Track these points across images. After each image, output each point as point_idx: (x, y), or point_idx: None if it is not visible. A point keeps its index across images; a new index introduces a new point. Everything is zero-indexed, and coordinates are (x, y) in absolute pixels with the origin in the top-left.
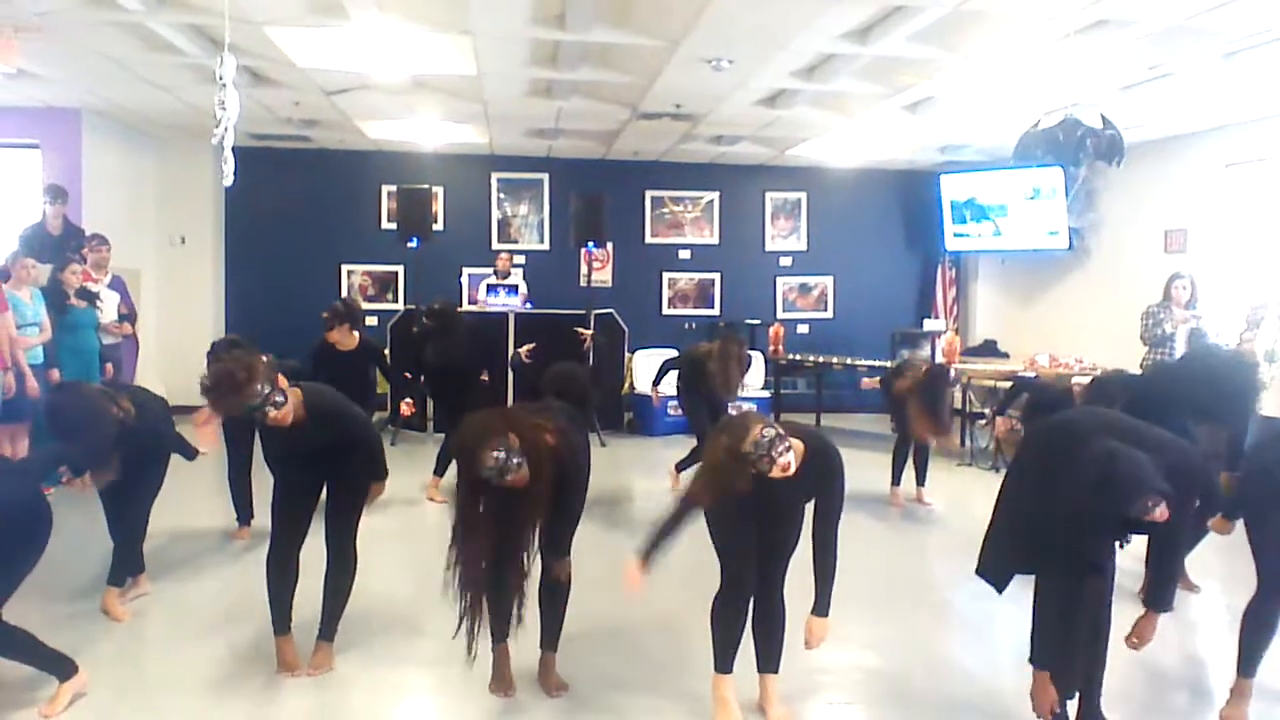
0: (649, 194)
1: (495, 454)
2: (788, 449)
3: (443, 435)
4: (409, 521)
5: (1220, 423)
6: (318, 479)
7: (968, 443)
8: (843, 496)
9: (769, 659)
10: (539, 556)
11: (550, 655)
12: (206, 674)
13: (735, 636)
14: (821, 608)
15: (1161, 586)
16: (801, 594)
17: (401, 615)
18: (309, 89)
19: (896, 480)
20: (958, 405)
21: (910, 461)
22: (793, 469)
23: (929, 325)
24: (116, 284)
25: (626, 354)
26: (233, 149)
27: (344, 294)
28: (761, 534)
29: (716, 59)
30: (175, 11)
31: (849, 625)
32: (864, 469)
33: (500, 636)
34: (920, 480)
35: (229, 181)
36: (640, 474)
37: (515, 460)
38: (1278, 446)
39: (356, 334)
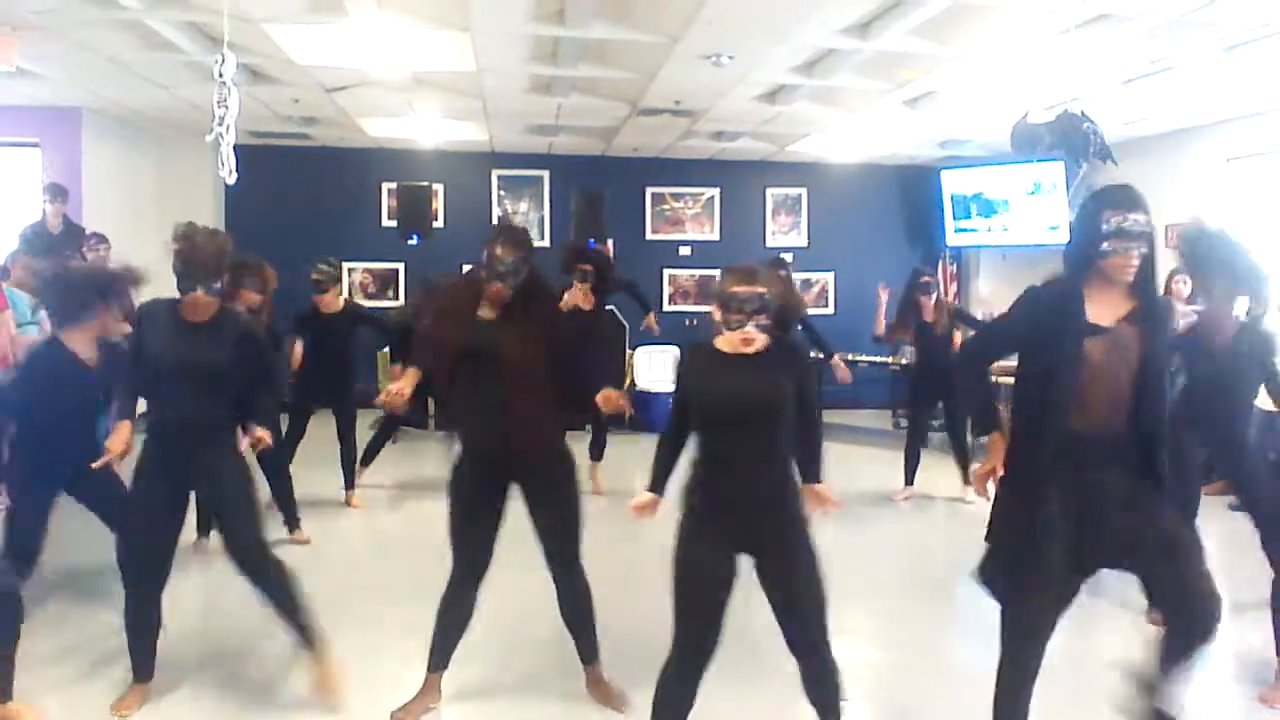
0: (649, 190)
1: (507, 255)
2: (761, 328)
3: (444, 433)
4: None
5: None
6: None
7: (970, 439)
8: (815, 383)
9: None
10: (551, 574)
11: (594, 668)
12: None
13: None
14: (814, 475)
15: None
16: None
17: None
18: (308, 86)
19: (910, 479)
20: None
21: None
22: (755, 344)
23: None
24: None
25: (628, 350)
26: (233, 147)
27: (345, 290)
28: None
29: (716, 55)
30: (174, 9)
31: (852, 620)
32: (866, 463)
33: (436, 662)
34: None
35: (231, 179)
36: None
37: (517, 270)
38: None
39: (343, 298)
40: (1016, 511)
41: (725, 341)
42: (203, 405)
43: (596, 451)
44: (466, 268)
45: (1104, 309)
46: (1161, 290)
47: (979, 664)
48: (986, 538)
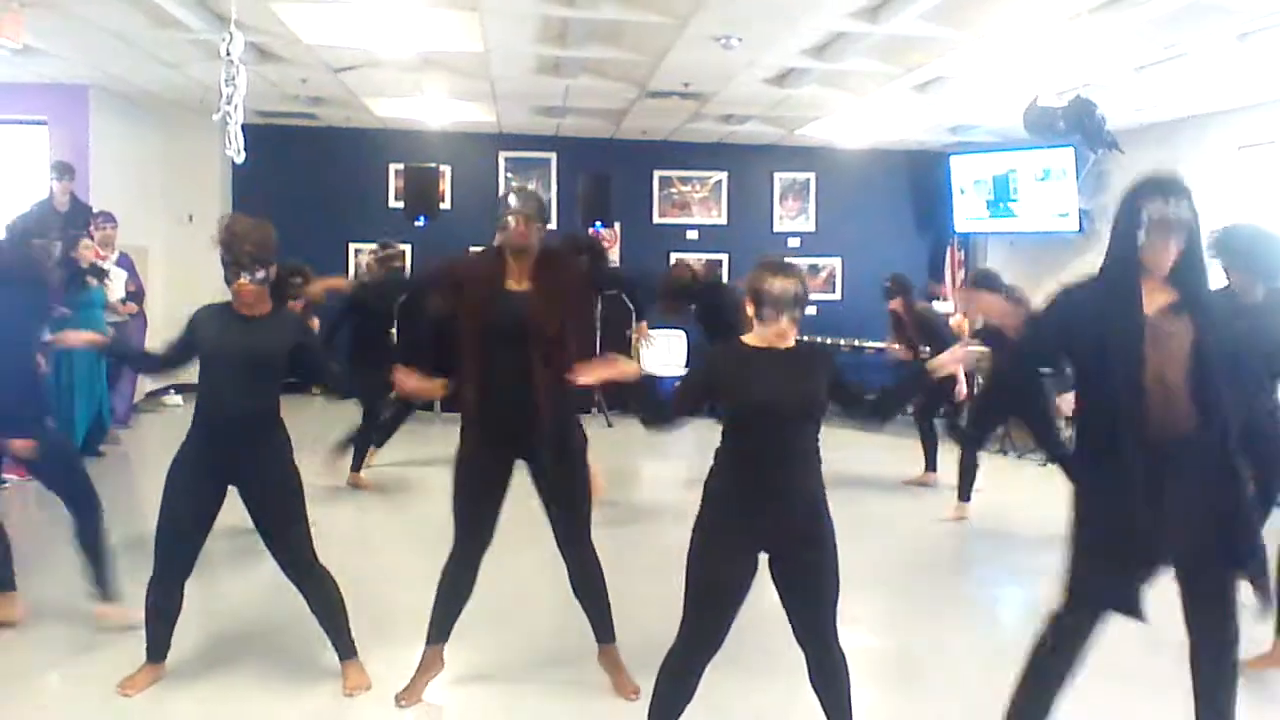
0: (657, 174)
1: (519, 203)
2: (794, 322)
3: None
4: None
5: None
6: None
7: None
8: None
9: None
10: (563, 552)
11: (610, 648)
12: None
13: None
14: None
15: None
16: None
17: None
18: (316, 66)
19: (966, 495)
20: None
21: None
22: (789, 340)
23: (938, 307)
24: (124, 262)
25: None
26: (241, 126)
27: (351, 273)
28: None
29: (726, 37)
30: None
31: (858, 607)
32: (873, 451)
33: (436, 636)
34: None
35: (240, 159)
36: (652, 457)
37: (532, 209)
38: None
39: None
40: (1097, 510)
41: (756, 337)
42: (252, 398)
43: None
44: (473, 249)
45: (1146, 300)
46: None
47: (982, 651)
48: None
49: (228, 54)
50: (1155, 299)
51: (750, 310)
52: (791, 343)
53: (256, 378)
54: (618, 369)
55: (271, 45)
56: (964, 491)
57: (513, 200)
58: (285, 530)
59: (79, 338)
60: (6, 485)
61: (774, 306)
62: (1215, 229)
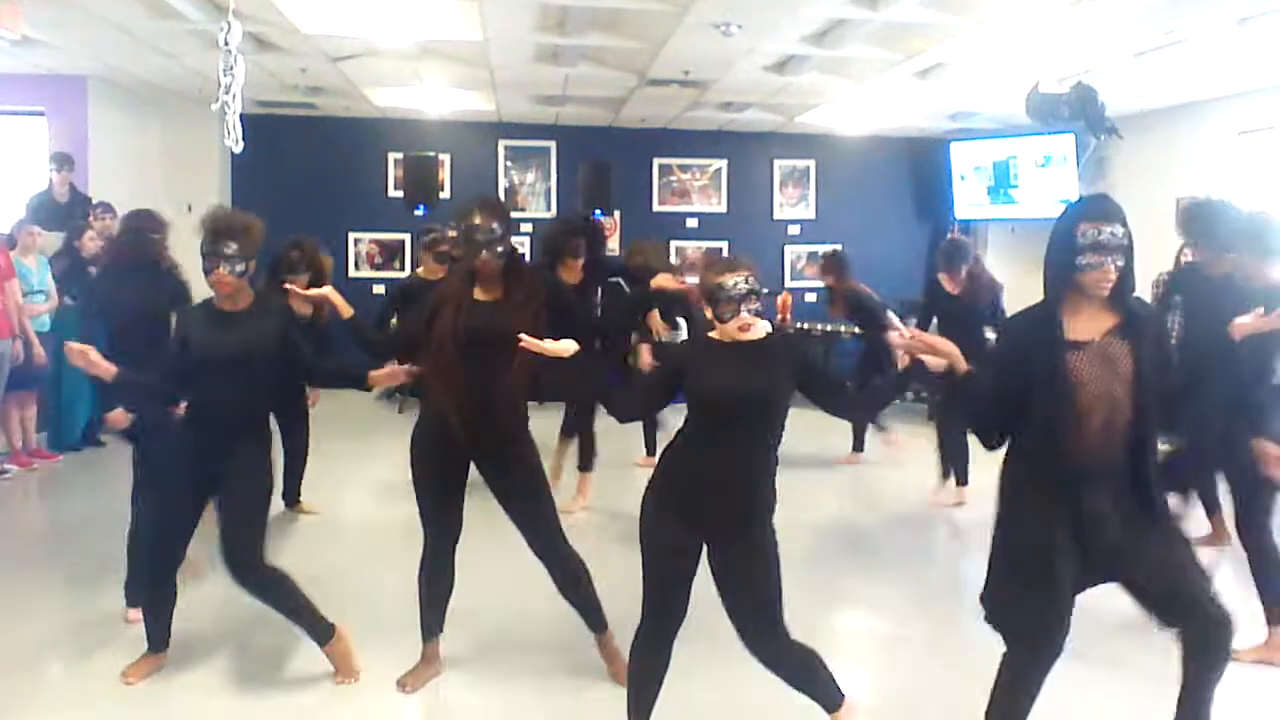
0: (657, 161)
1: (485, 222)
2: (757, 313)
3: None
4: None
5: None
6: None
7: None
8: (822, 362)
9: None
10: (539, 559)
11: (604, 636)
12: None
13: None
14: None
15: None
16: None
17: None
18: (315, 55)
19: (962, 478)
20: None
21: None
22: (753, 333)
23: None
24: None
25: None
26: (239, 116)
27: (351, 262)
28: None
29: (725, 24)
30: None
31: (850, 584)
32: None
33: (430, 631)
34: (955, 476)
35: (238, 149)
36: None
37: (500, 236)
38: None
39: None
40: (1019, 540)
41: (721, 333)
42: (238, 394)
43: (585, 459)
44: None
45: (1086, 324)
46: (1173, 264)
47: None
48: (990, 566)
49: (226, 44)
50: (1100, 322)
51: (709, 313)
52: (759, 335)
53: (242, 375)
54: (556, 347)
55: (270, 35)
56: (961, 475)
57: (479, 225)
58: (239, 526)
59: (86, 359)
60: (8, 475)
61: (729, 302)
62: (1180, 205)
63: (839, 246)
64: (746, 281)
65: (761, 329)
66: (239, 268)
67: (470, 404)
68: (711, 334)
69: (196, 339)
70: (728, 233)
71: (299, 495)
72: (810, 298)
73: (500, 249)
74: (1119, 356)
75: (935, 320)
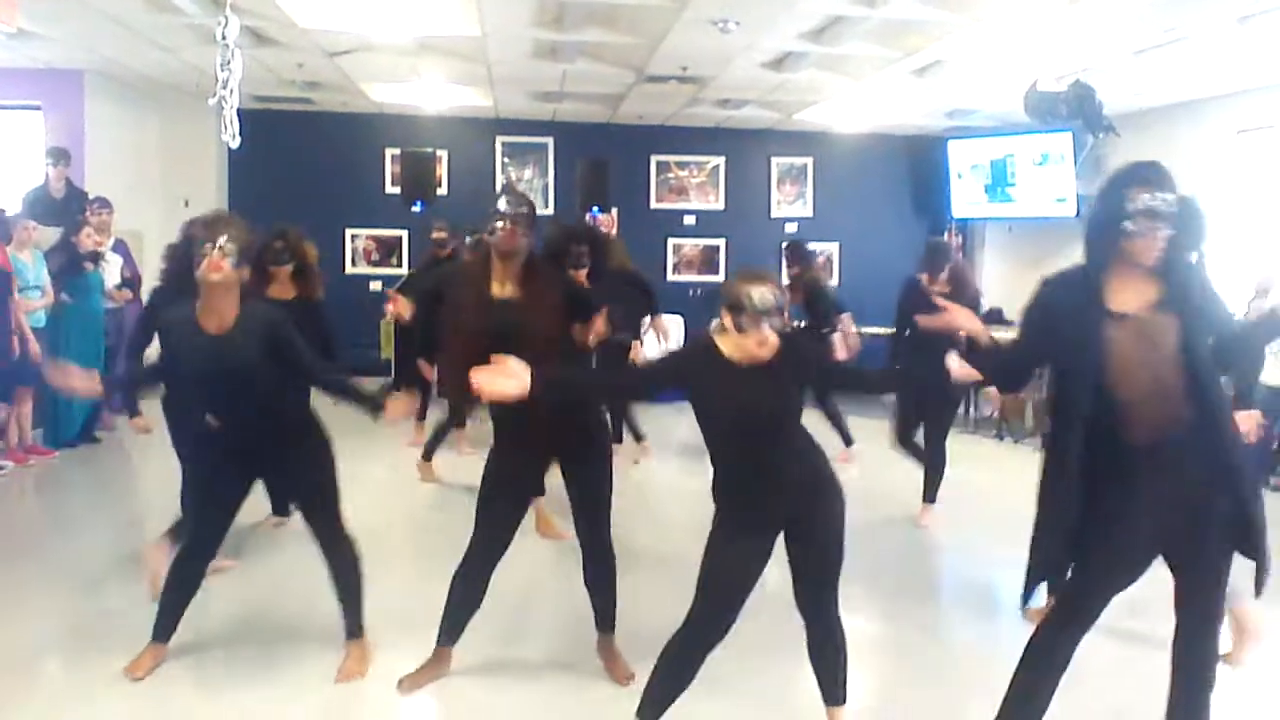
0: (654, 159)
1: (513, 205)
2: (775, 329)
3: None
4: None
5: None
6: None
7: (971, 412)
8: (832, 362)
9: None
10: (581, 545)
11: (608, 637)
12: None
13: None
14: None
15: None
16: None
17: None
18: (312, 50)
19: (931, 495)
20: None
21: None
22: (768, 348)
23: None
24: (119, 248)
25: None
26: (236, 111)
27: (348, 258)
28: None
29: (723, 20)
30: None
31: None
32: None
33: (447, 638)
34: (928, 495)
35: (235, 143)
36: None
37: (522, 213)
38: None
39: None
40: (1068, 518)
41: (734, 347)
42: (249, 410)
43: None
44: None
45: (1128, 295)
46: None
47: (974, 636)
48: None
49: (223, 38)
50: (1143, 293)
51: (728, 320)
52: (771, 353)
53: (247, 395)
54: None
55: (267, 29)
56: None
57: (503, 203)
58: (313, 493)
59: (73, 382)
60: (4, 471)
61: (753, 315)
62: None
63: (800, 241)
64: (773, 295)
65: (773, 346)
66: (232, 259)
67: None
68: (719, 345)
69: (185, 360)
70: (725, 230)
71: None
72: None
73: (524, 228)
74: (1162, 331)
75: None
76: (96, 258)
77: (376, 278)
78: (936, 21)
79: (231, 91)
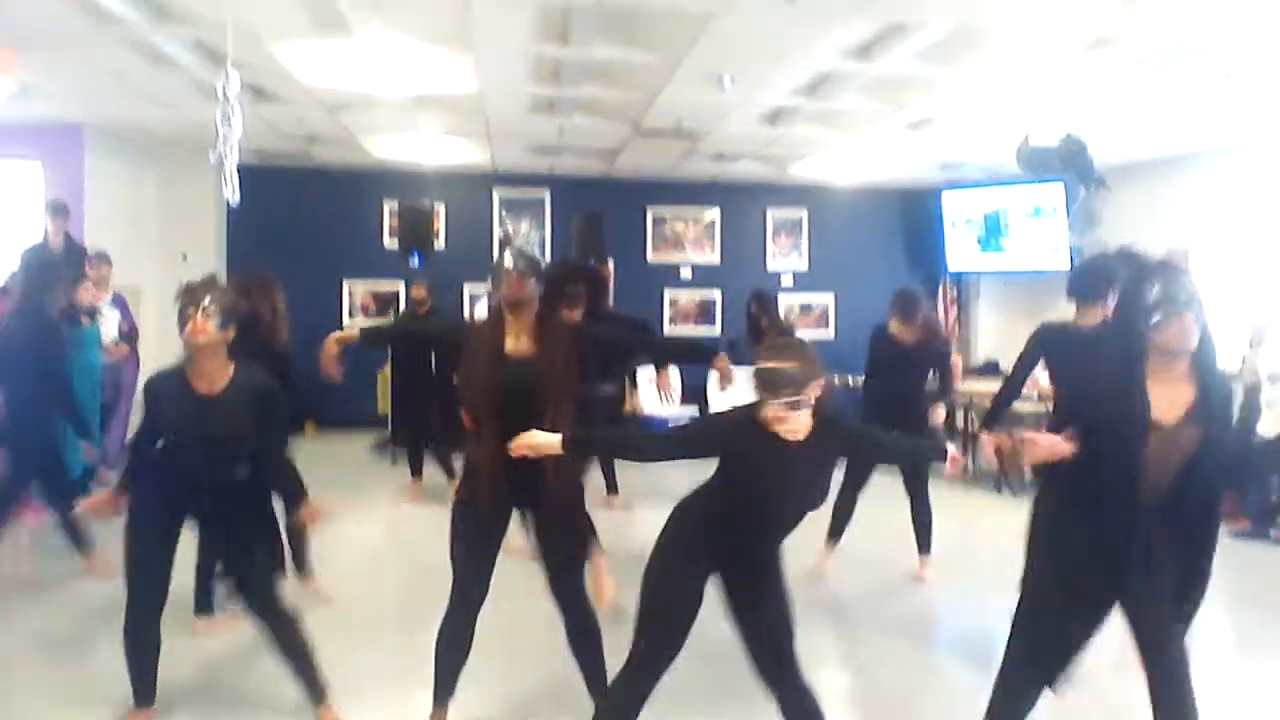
0: (650, 211)
1: (517, 261)
2: (805, 408)
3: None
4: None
5: None
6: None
7: (969, 465)
8: (858, 433)
9: None
10: (558, 605)
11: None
12: None
13: None
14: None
15: None
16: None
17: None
18: (312, 105)
19: (835, 534)
20: (959, 426)
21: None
22: (800, 429)
23: None
24: (118, 302)
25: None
26: (236, 167)
27: (345, 311)
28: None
29: (719, 76)
30: (178, 26)
31: (824, 644)
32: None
33: (442, 696)
34: (923, 546)
35: (235, 199)
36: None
37: (527, 263)
38: None
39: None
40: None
41: (772, 418)
42: (216, 476)
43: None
44: (467, 286)
45: (1163, 397)
46: None
47: (948, 684)
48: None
49: (224, 94)
50: (1176, 396)
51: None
52: (799, 433)
53: (222, 460)
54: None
55: (268, 85)
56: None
57: (508, 257)
58: (246, 558)
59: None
60: None
61: (764, 389)
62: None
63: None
64: (787, 374)
65: (802, 426)
66: (216, 320)
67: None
68: (763, 418)
69: (171, 420)
70: (721, 282)
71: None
72: None
73: (531, 279)
74: (1187, 442)
75: (879, 367)
76: (94, 312)
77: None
78: (928, 77)
79: (232, 148)
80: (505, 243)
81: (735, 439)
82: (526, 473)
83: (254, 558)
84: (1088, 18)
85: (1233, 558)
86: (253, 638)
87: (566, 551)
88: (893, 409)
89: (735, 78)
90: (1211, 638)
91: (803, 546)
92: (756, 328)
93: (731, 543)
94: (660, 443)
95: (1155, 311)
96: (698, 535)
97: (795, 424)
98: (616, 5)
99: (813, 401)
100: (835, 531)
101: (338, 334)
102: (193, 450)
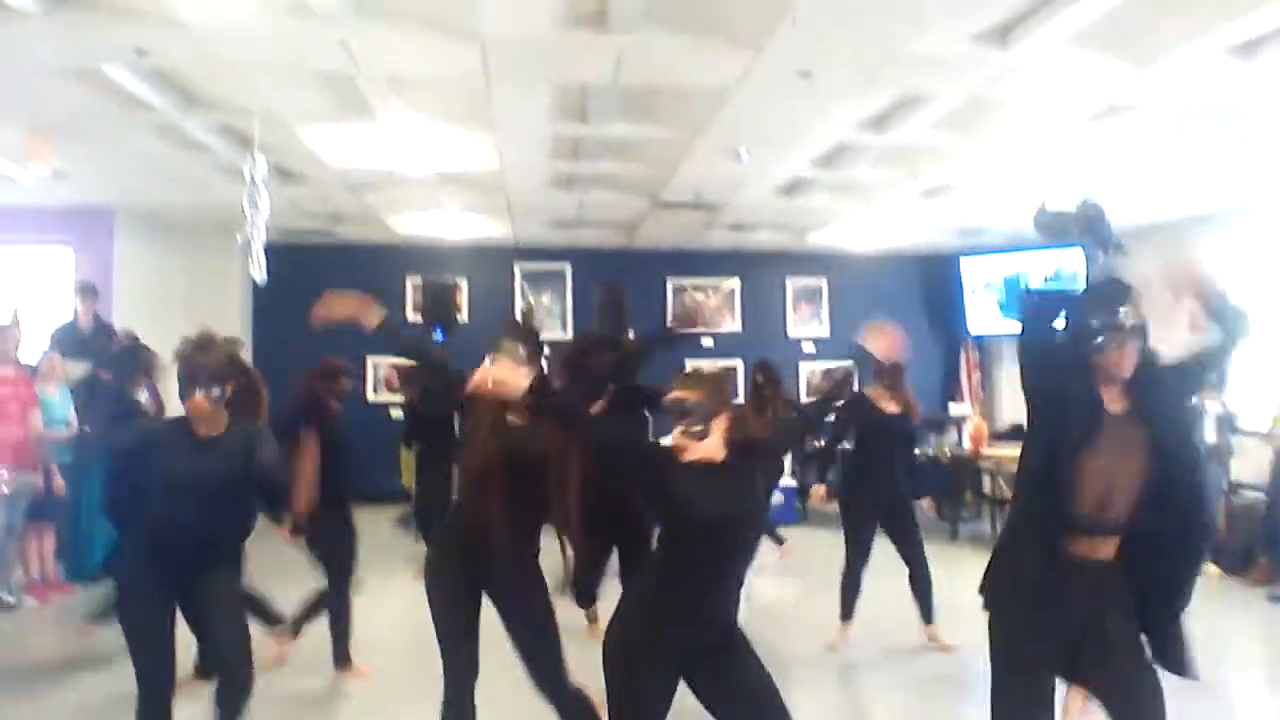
0: (671, 282)
1: (514, 347)
2: (699, 435)
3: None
4: None
5: None
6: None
7: (995, 529)
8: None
9: None
10: (547, 698)
11: None
12: None
13: None
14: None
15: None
16: None
17: None
18: (336, 185)
19: (846, 613)
20: (986, 491)
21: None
22: (698, 454)
23: (955, 410)
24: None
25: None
26: (263, 247)
27: (369, 386)
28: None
29: (736, 150)
30: (207, 113)
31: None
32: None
33: None
34: (927, 615)
35: (262, 278)
36: None
37: (529, 355)
38: None
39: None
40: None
41: (677, 445)
42: (207, 523)
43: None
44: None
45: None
46: None
47: None
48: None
49: (251, 177)
50: (1114, 401)
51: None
52: (712, 457)
53: (211, 503)
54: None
55: (294, 167)
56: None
57: (505, 343)
58: (233, 635)
59: None
60: (23, 607)
61: (672, 416)
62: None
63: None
64: (687, 402)
65: (711, 452)
66: (215, 391)
67: (491, 522)
68: (685, 455)
69: (165, 462)
70: (743, 351)
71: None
72: (828, 416)
73: (530, 365)
74: (1131, 439)
75: (857, 433)
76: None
77: (398, 405)
78: (943, 146)
79: (259, 229)
80: (527, 316)
81: (665, 461)
82: (486, 546)
83: (242, 631)
84: (1100, 85)
85: (1269, 620)
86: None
87: (534, 631)
88: (875, 478)
89: (752, 150)
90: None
91: (819, 626)
92: (759, 397)
93: (688, 615)
94: (624, 438)
95: (1099, 333)
96: (654, 627)
97: (704, 451)
98: (633, 84)
99: (721, 430)
100: (846, 610)
101: (364, 301)
102: (186, 496)
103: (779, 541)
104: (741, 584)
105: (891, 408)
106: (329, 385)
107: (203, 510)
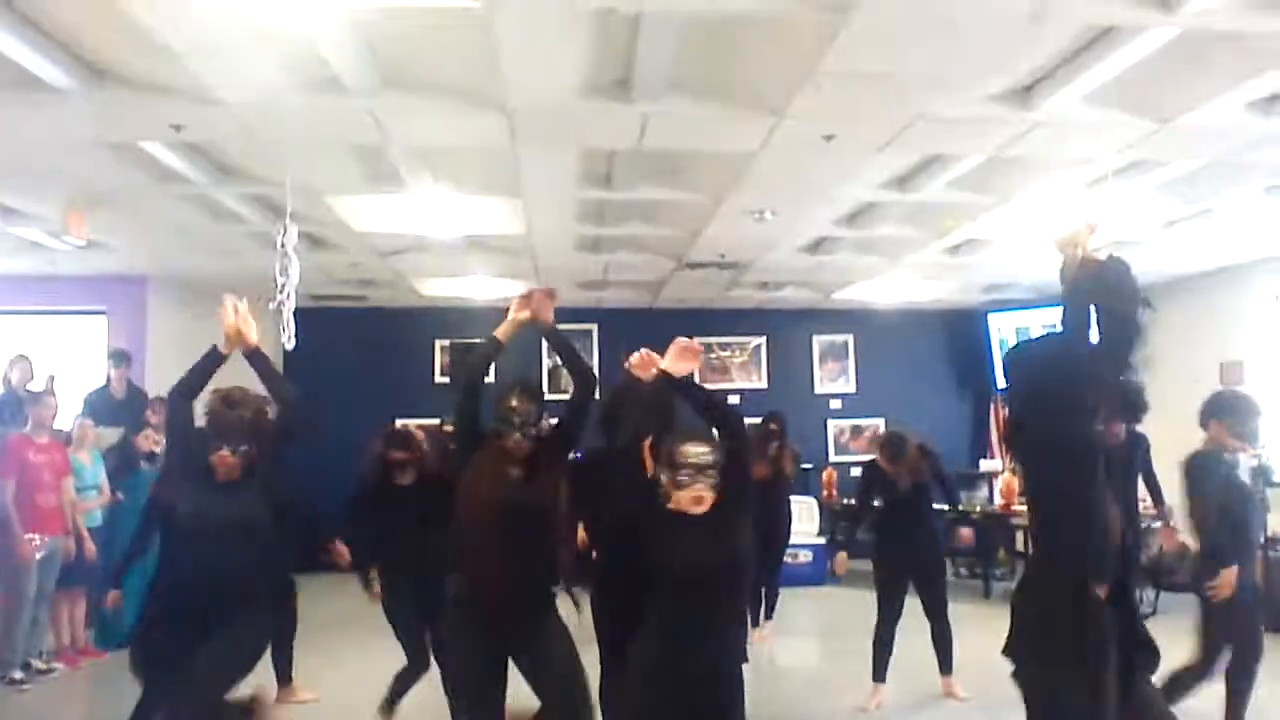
0: (696, 340)
1: (522, 405)
2: (707, 485)
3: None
4: None
5: None
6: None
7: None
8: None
9: None
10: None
11: None
12: None
13: None
14: None
15: None
16: None
17: None
18: (366, 251)
19: (879, 674)
20: (1019, 548)
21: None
22: (704, 505)
23: (985, 465)
24: None
25: None
26: (293, 313)
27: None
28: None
29: (760, 210)
30: (239, 184)
31: None
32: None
33: None
34: (946, 667)
35: (290, 344)
36: None
37: (534, 420)
38: None
39: None
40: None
41: (675, 501)
42: (229, 564)
43: None
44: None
45: None
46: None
47: None
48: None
49: (282, 245)
50: None
51: (664, 478)
52: (707, 505)
53: (232, 545)
54: None
55: (324, 234)
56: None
57: (514, 403)
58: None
59: None
60: (55, 674)
61: (690, 472)
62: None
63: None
64: (710, 454)
65: (709, 500)
66: (243, 448)
67: (505, 579)
68: (668, 505)
69: (188, 506)
70: (769, 408)
71: (290, 676)
72: (856, 472)
73: (533, 432)
74: None
75: (877, 501)
76: (153, 457)
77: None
78: (966, 204)
79: (289, 295)
80: (553, 376)
81: (650, 516)
82: (509, 606)
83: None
84: (1122, 142)
85: None
86: None
87: (567, 685)
88: (898, 540)
89: (776, 211)
90: None
91: (848, 685)
92: (763, 447)
93: (679, 671)
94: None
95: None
96: (649, 689)
97: (705, 505)
98: (658, 150)
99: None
100: (879, 671)
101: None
102: (204, 537)
103: (754, 624)
104: (734, 639)
105: (897, 479)
106: (408, 449)
107: (225, 556)
